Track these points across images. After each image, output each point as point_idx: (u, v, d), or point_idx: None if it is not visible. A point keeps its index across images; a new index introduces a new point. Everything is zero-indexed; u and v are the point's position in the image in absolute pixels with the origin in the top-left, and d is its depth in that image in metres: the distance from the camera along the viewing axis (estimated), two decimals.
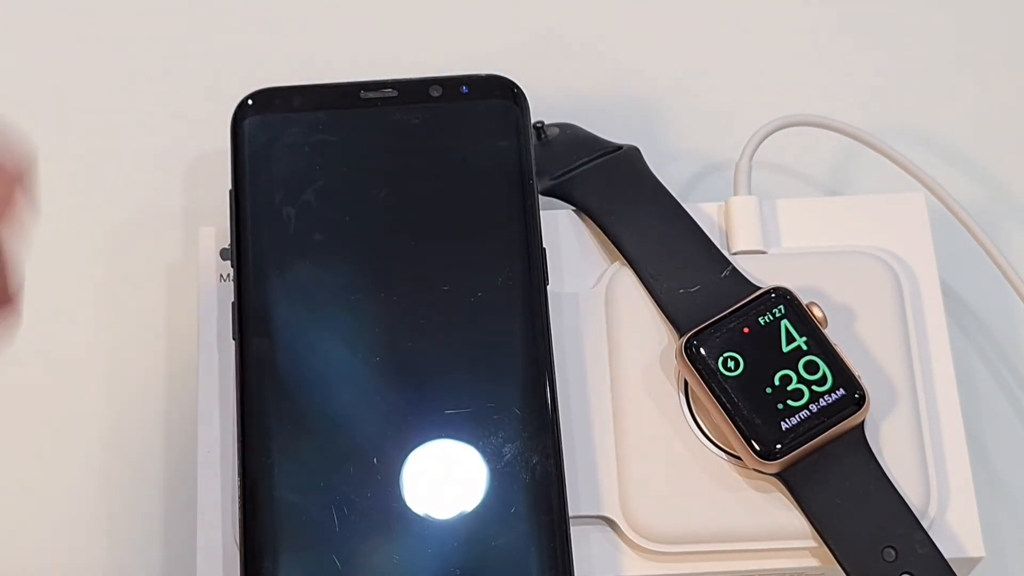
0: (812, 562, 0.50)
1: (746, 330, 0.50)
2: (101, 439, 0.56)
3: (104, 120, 0.62)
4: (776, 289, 0.50)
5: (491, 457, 0.49)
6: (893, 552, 0.48)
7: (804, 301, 0.50)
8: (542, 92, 0.55)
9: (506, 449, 0.49)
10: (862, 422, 0.49)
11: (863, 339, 0.52)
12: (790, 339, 0.49)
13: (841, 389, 0.49)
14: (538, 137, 0.55)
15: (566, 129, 0.57)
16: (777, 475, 0.49)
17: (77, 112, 0.62)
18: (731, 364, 0.49)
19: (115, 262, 0.59)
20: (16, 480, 0.56)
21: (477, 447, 0.49)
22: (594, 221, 0.53)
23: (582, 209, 0.54)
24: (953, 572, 0.48)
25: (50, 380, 0.57)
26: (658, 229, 0.53)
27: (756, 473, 0.49)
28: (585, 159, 0.54)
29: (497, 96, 0.53)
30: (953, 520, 0.50)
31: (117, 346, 0.57)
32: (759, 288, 0.51)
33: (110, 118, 0.62)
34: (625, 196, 0.53)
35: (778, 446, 0.48)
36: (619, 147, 0.55)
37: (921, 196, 0.55)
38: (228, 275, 0.52)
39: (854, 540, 0.48)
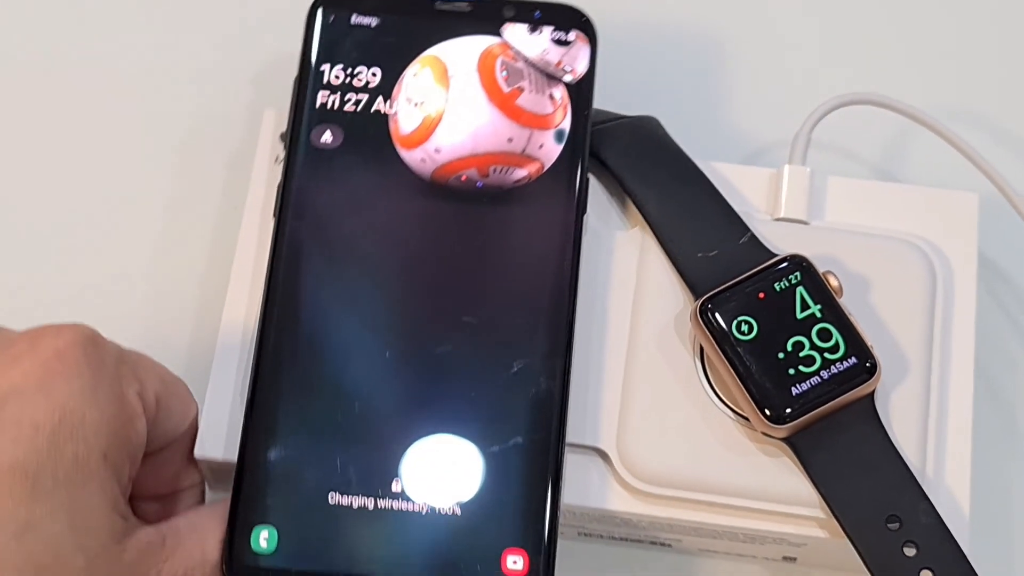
0: (795, 529, 0.50)
1: (761, 295, 0.50)
2: (144, 288, 0.58)
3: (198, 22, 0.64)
4: (793, 256, 0.51)
5: (502, 367, 0.50)
6: (897, 521, 0.48)
7: (822, 270, 0.50)
8: (612, 30, 0.56)
9: (517, 363, 0.50)
10: (872, 392, 0.50)
11: (886, 319, 0.52)
12: (804, 306, 0.50)
13: (853, 358, 0.49)
14: None
15: None
16: (785, 440, 0.50)
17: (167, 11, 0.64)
18: (745, 328, 0.50)
19: (188, 151, 0.61)
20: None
21: (491, 356, 0.50)
22: (616, 178, 0.54)
23: (604, 164, 0.54)
24: (956, 543, 0.48)
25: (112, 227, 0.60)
26: (678, 192, 0.53)
27: (763, 436, 0.50)
28: (605, 120, 0.54)
29: (568, 25, 0.54)
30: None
31: (172, 209, 0.60)
32: (777, 255, 0.51)
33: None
34: (646, 155, 0.54)
35: (787, 410, 0.49)
36: (636, 117, 0.55)
37: (975, 196, 0.55)
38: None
39: (859, 507, 0.49)
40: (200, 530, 0.46)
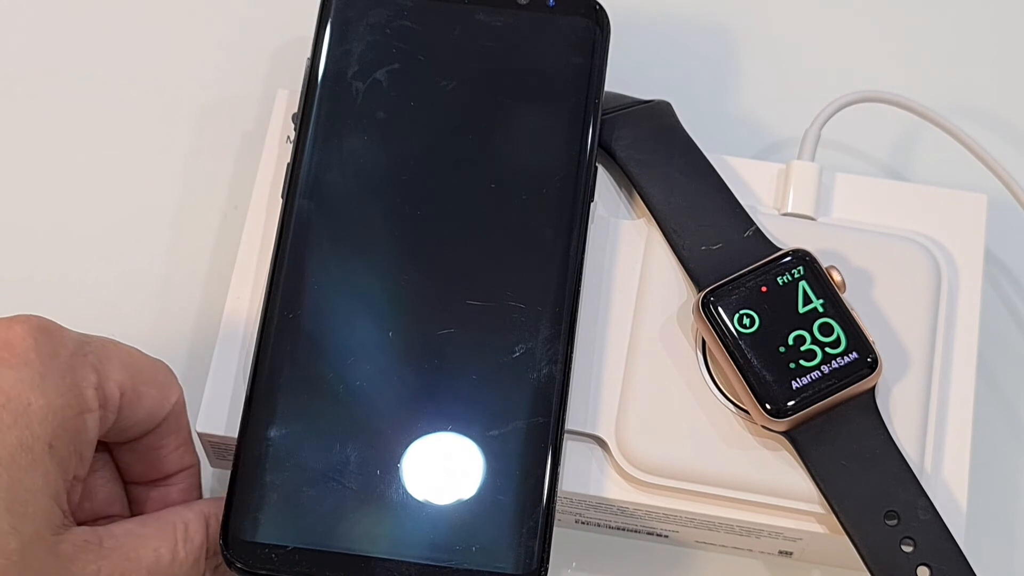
0: (792, 523, 0.50)
1: (764, 289, 0.50)
2: (156, 264, 0.59)
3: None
4: (796, 251, 0.51)
5: (504, 351, 0.50)
6: (896, 517, 0.48)
7: (825, 265, 0.50)
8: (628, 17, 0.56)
9: (519, 348, 0.50)
10: (873, 387, 0.50)
11: (889, 315, 0.52)
12: (807, 300, 0.50)
13: (854, 352, 0.49)
14: None
15: None
16: (785, 433, 0.50)
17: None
18: (746, 321, 0.50)
19: (202, 130, 0.61)
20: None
21: (494, 339, 0.50)
22: (622, 169, 0.54)
23: (611, 155, 0.54)
24: (954, 540, 0.48)
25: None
26: (685, 184, 0.53)
27: (763, 430, 0.50)
28: (616, 107, 0.54)
29: (580, 14, 0.54)
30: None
31: (188, 188, 0.60)
32: (780, 249, 0.51)
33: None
34: (653, 147, 0.54)
35: (788, 404, 0.49)
36: (650, 101, 0.55)
37: (984, 196, 0.55)
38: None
39: (857, 503, 0.49)
40: (136, 536, 0.46)
